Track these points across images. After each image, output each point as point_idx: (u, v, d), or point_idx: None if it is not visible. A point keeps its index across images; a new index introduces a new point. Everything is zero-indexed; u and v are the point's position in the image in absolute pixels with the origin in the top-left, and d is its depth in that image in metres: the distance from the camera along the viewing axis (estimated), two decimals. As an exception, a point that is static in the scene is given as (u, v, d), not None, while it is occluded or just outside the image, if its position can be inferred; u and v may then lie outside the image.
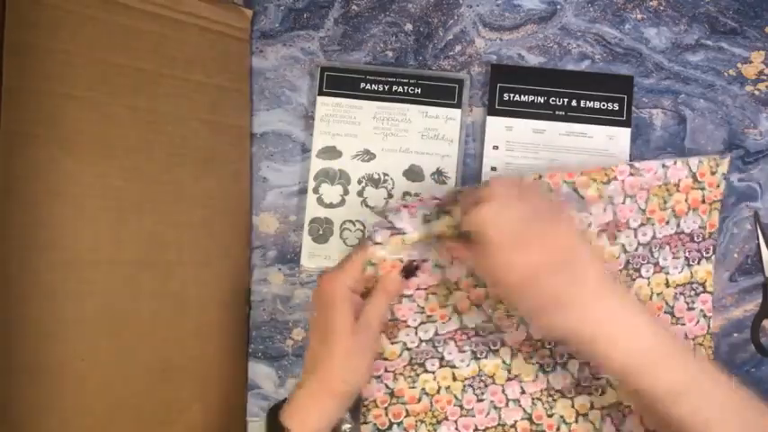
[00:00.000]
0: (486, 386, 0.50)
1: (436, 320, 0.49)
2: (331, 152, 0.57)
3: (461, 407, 0.51)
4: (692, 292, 0.50)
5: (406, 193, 0.57)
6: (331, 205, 0.57)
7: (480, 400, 0.51)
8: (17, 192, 0.43)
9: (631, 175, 0.49)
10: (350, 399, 0.45)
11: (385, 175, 0.57)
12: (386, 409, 0.50)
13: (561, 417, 0.50)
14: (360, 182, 0.57)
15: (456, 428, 0.51)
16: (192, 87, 0.53)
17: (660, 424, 0.41)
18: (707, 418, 0.37)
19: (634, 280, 0.49)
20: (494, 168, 0.56)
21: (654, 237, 0.49)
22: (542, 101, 0.56)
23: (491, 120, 0.57)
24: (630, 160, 0.55)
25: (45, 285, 0.44)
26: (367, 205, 0.56)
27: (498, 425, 0.51)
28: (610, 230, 0.49)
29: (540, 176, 0.48)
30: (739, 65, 0.56)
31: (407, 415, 0.50)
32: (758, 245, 0.55)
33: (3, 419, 0.42)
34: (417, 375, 0.50)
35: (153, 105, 0.50)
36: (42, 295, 0.44)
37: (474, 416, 0.50)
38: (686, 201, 0.49)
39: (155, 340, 0.50)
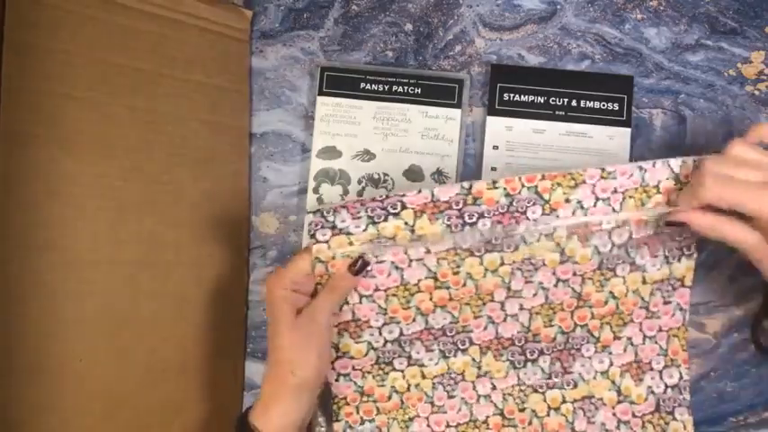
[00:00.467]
0: (456, 383, 0.50)
1: (400, 321, 0.49)
2: (331, 152, 0.57)
3: (432, 404, 0.51)
4: (670, 287, 0.49)
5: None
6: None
7: (451, 397, 0.50)
8: (16, 192, 0.43)
9: (602, 178, 0.47)
10: (307, 392, 0.45)
11: (385, 175, 0.57)
12: (357, 407, 0.50)
13: (533, 411, 0.50)
14: (360, 182, 0.57)
15: (428, 425, 0.51)
16: (192, 88, 0.53)
17: None
18: None
19: (608, 279, 0.49)
20: (494, 168, 0.56)
21: (630, 237, 0.48)
22: (542, 101, 0.56)
23: (491, 120, 0.57)
24: (631, 160, 0.55)
25: (44, 285, 0.44)
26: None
27: (470, 421, 0.51)
28: (581, 233, 0.48)
29: (495, 182, 0.46)
30: (739, 65, 0.56)
31: (378, 413, 0.50)
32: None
33: (2, 419, 0.42)
34: (386, 374, 0.50)
35: (152, 105, 0.50)
36: (42, 295, 0.44)
37: (446, 412, 0.50)
38: (667, 203, 0.47)
39: (154, 340, 0.50)
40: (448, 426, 0.51)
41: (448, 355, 0.50)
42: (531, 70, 0.57)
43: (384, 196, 0.46)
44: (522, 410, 0.50)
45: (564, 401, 0.50)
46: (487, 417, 0.51)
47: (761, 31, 0.56)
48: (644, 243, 0.48)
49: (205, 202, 0.54)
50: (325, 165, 0.57)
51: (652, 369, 0.50)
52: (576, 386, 0.50)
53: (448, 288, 0.48)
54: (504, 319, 0.49)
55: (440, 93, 0.57)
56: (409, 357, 0.50)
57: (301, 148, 0.59)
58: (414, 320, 0.49)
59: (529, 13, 0.58)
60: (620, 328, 0.50)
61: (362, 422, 0.50)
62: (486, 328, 0.50)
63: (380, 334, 0.49)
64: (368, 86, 0.58)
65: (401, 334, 0.49)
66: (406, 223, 0.47)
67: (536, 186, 0.47)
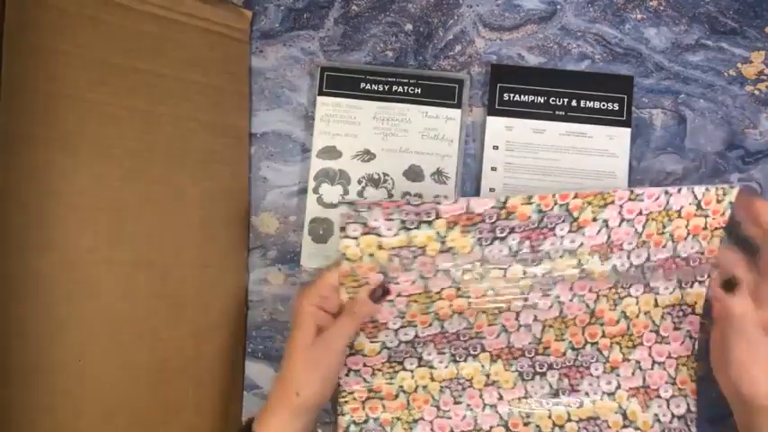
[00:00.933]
0: (463, 389, 0.51)
1: (417, 325, 0.49)
2: (331, 152, 0.57)
3: (438, 407, 0.51)
4: (681, 313, 0.50)
5: (406, 193, 0.57)
6: (331, 205, 0.57)
7: (457, 403, 0.51)
8: (16, 192, 0.43)
9: (630, 200, 0.47)
10: (307, 413, 0.46)
11: (385, 175, 0.57)
12: (363, 402, 0.50)
13: (537, 426, 0.51)
14: (360, 182, 0.57)
15: (431, 429, 0.51)
16: (192, 88, 0.53)
17: None
18: None
19: (622, 298, 0.49)
20: (494, 168, 0.56)
21: (648, 259, 0.49)
22: (542, 101, 0.56)
23: (491, 120, 0.57)
24: (631, 160, 0.55)
25: (43, 285, 0.44)
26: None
27: (474, 429, 0.51)
28: (602, 251, 0.48)
29: (530, 198, 0.46)
30: (739, 65, 0.56)
31: (384, 410, 0.51)
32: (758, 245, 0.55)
33: (3, 419, 0.42)
34: (396, 372, 0.50)
35: (152, 106, 0.50)
36: (41, 295, 0.44)
37: (450, 418, 0.51)
38: (686, 227, 0.48)
39: (153, 341, 0.50)
40: (451, 431, 0.51)
41: (458, 359, 0.50)
42: (531, 70, 0.57)
43: (419, 202, 0.46)
44: (526, 425, 0.51)
45: (569, 419, 0.50)
46: (491, 427, 0.51)
47: (761, 31, 0.56)
48: (660, 266, 0.49)
49: (205, 202, 0.54)
50: (325, 165, 0.57)
51: (659, 396, 0.50)
52: (581, 405, 0.50)
53: (468, 297, 0.49)
54: (518, 329, 0.50)
55: (440, 93, 0.57)
56: (420, 358, 0.50)
57: (301, 148, 0.58)
58: (430, 325, 0.49)
59: (529, 13, 0.58)
60: (629, 350, 0.50)
61: (367, 419, 0.51)
62: (498, 336, 0.50)
63: (396, 335, 0.49)
64: (368, 86, 0.58)
65: (416, 336, 0.50)
66: (438, 234, 0.46)
67: (567, 204, 0.47)
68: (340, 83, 0.58)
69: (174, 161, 0.52)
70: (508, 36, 0.58)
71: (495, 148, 0.56)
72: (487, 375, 0.50)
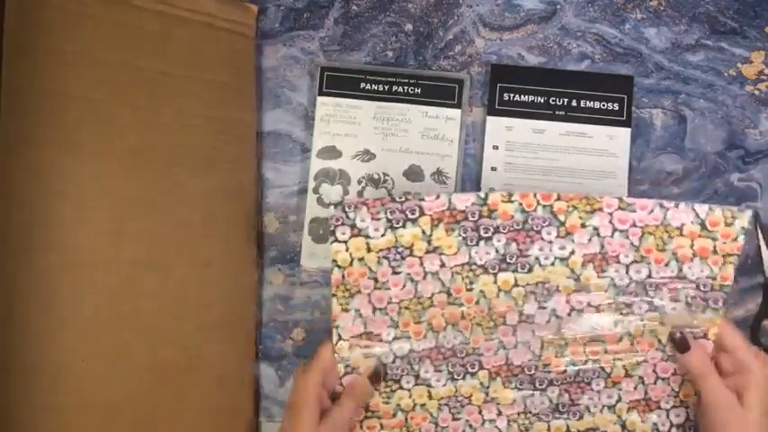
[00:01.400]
0: (462, 406, 0.50)
1: (411, 337, 0.49)
2: (331, 152, 0.57)
3: (436, 424, 0.50)
4: (690, 335, 0.48)
5: (406, 193, 0.57)
6: (331, 205, 0.57)
7: (456, 419, 0.50)
8: (17, 192, 0.43)
9: (620, 209, 0.46)
10: None
11: (385, 175, 0.57)
12: (360, 422, 0.50)
13: None
14: (360, 182, 0.57)
15: None
16: (196, 85, 0.53)
17: None
18: None
19: (624, 316, 0.48)
20: (494, 168, 0.56)
21: (649, 276, 0.47)
22: (542, 101, 0.56)
23: (491, 120, 0.57)
24: (631, 160, 0.55)
25: (45, 285, 0.44)
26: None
27: None
28: (596, 262, 0.47)
29: (510, 195, 0.46)
30: (739, 65, 0.56)
31: (382, 428, 0.50)
32: (758, 245, 0.55)
33: (3, 419, 0.42)
34: (393, 392, 0.50)
35: (155, 104, 0.50)
36: (42, 295, 0.44)
37: None
38: (691, 247, 0.47)
39: (154, 341, 0.50)
40: None
41: (457, 377, 0.50)
42: (531, 70, 0.57)
43: (403, 198, 0.46)
44: None
45: (568, 430, 0.50)
46: None
47: (761, 31, 0.56)
48: (664, 285, 0.48)
49: (209, 199, 0.54)
50: (325, 165, 0.57)
51: (660, 408, 0.50)
52: (581, 417, 0.50)
53: (461, 305, 0.48)
54: (515, 346, 0.49)
55: (440, 93, 0.57)
56: (417, 376, 0.50)
57: (301, 148, 0.59)
58: (425, 337, 0.49)
59: (529, 13, 0.58)
60: (632, 366, 0.49)
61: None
62: (496, 353, 0.49)
63: (390, 350, 0.49)
64: (368, 86, 0.58)
65: (411, 350, 0.49)
66: (423, 232, 0.46)
67: (551, 206, 0.46)
68: (340, 83, 0.58)
69: (178, 159, 0.52)
70: (508, 36, 0.58)
71: (495, 148, 0.56)
72: (486, 393, 0.50)
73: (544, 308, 0.48)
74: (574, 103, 0.56)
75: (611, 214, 0.47)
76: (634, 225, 0.47)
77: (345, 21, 0.59)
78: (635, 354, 0.49)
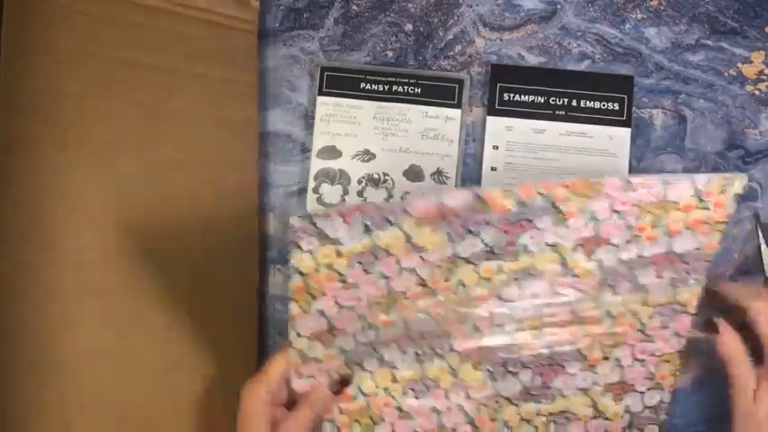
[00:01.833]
0: (428, 389, 0.47)
1: (378, 328, 0.46)
2: (331, 152, 0.57)
3: (400, 409, 0.48)
4: (671, 312, 0.47)
5: (406, 193, 0.57)
6: (331, 205, 0.57)
7: (421, 404, 0.48)
8: (15, 191, 0.43)
9: (623, 190, 0.45)
10: None
11: (385, 175, 0.57)
12: None
13: (505, 422, 0.48)
14: (360, 182, 0.57)
15: (393, 431, 0.48)
16: (197, 81, 0.52)
17: None
18: None
19: (607, 297, 0.46)
20: (494, 168, 0.56)
21: (639, 255, 0.46)
22: (542, 101, 0.56)
23: (491, 120, 0.57)
24: (630, 160, 0.55)
25: (44, 285, 0.44)
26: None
27: (438, 427, 0.48)
28: (587, 246, 0.45)
29: (511, 191, 0.44)
30: (739, 65, 0.56)
31: (341, 412, 0.47)
32: (758, 245, 0.55)
33: (3, 419, 0.42)
34: (354, 373, 0.47)
35: (156, 101, 0.50)
36: (42, 295, 0.44)
37: (413, 419, 0.48)
38: (684, 221, 0.45)
39: (154, 341, 0.50)
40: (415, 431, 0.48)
41: (423, 359, 0.47)
42: (531, 70, 0.57)
43: (386, 204, 0.43)
44: (493, 420, 0.48)
45: (538, 414, 0.49)
46: (456, 425, 0.48)
47: (761, 31, 0.56)
48: (652, 263, 0.46)
49: (211, 198, 0.54)
50: (325, 165, 0.57)
51: (635, 391, 0.48)
52: (553, 400, 0.48)
53: (436, 295, 0.46)
54: (491, 329, 0.47)
55: (440, 93, 0.57)
56: (381, 359, 0.47)
57: (301, 148, 0.58)
58: (393, 326, 0.46)
59: (529, 12, 0.58)
60: (610, 348, 0.48)
61: (322, 421, 0.47)
62: (469, 336, 0.47)
63: (354, 338, 0.46)
64: (368, 86, 0.58)
65: (377, 337, 0.46)
66: (405, 234, 0.44)
67: (551, 195, 0.44)
68: (340, 83, 0.58)
69: (180, 156, 0.51)
70: (508, 36, 0.58)
71: (495, 148, 0.56)
72: (454, 375, 0.47)
73: (525, 292, 0.46)
74: (574, 103, 0.56)
75: (612, 197, 0.44)
76: (633, 204, 0.45)
77: (345, 21, 0.59)
78: (614, 335, 0.47)
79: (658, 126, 0.56)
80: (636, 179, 0.45)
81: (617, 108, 0.56)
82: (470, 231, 0.44)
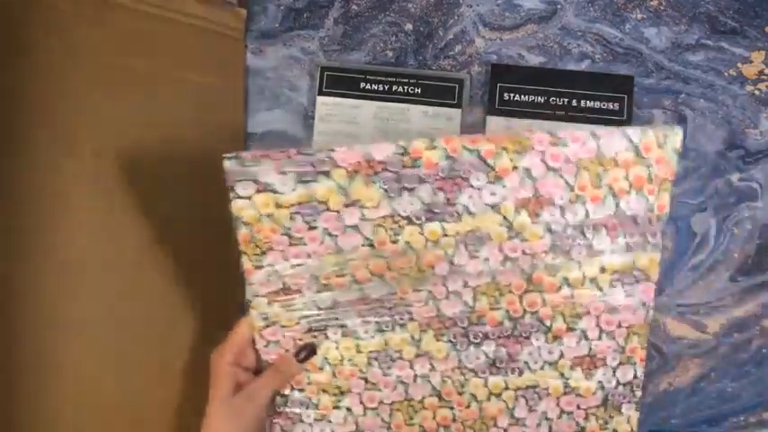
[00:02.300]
0: (392, 360, 0.47)
1: (334, 289, 0.46)
2: (331, 152, 0.57)
3: (366, 380, 0.48)
4: (633, 280, 0.46)
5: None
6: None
7: (386, 375, 0.47)
8: (13, 193, 0.43)
9: (553, 144, 0.44)
10: None
11: (385, 175, 0.57)
12: None
13: (473, 395, 0.48)
14: (360, 182, 0.57)
15: (360, 401, 0.48)
16: (186, 87, 0.53)
17: None
18: None
19: (562, 263, 0.45)
20: (494, 168, 0.56)
21: (587, 216, 0.44)
22: (542, 101, 0.56)
23: (491, 119, 0.57)
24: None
25: (43, 286, 0.44)
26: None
27: (405, 400, 0.48)
28: (531, 207, 0.44)
29: (433, 141, 0.43)
30: (739, 65, 0.56)
31: (310, 382, 0.47)
32: (760, 244, 0.55)
33: (3, 419, 0.42)
34: (319, 343, 0.47)
35: (147, 105, 0.50)
36: (40, 296, 0.44)
37: (380, 390, 0.48)
38: (627, 178, 0.44)
39: (153, 342, 0.50)
40: (381, 403, 0.48)
41: (385, 329, 0.47)
42: (531, 70, 0.57)
43: (312, 151, 0.43)
44: (460, 393, 0.48)
45: (506, 388, 0.48)
46: (423, 397, 0.48)
47: (761, 31, 0.56)
48: (602, 224, 0.45)
49: (202, 201, 0.54)
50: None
51: (606, 365, 0.47)
52: (521, 374, 0.47)
53: (386, 257, 0.45)
54: (447, 297, 0.46)
55: (440, 93, 0.57)
56: (343, 326, 0.47)
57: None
58: (348, 288, 0.46)
59: (529, 12, 0.58)
60: (574, 319, 0.46)
61: (291, 389, 0.48)
62: (426, 304, 0.46)
63: (314, 302, 0.46)
64: (368, 86, 0.58)
65: (335, 302, 0.46)
66: (339, 186, 0.44)
67: (479, 150, 0.44)
68: (340, 83, 0.58)
69: (171, 160, 0.52)
70: (508, 36, 0.58)
71: (496, 147, 0.56)
72: (417, 346, 0.47)
73: (476, 257, 0.45)
74: (574, 102, 0.56)
75: (542, 152, 0.44)
76: (567, 161, 0.44)
77: (345, 21, 0.59)
78: (575, 305, 0.46)
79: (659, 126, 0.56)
80: (563, 133, 0.44)
81: (617, 108, 0.56)
82: (405, 188, 0.44)
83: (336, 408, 0.48)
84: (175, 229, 0.52)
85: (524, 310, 0.46)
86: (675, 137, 0.44)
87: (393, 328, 0.47)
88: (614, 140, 0.44)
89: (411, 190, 0.44)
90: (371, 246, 0.45)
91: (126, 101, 0.49)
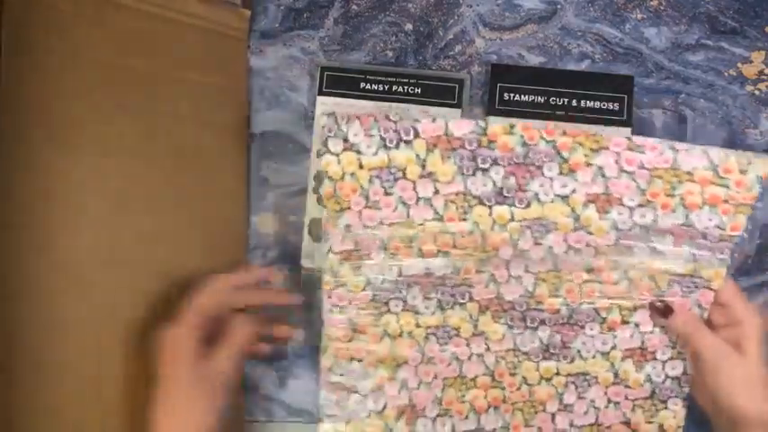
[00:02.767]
0: (449, 337, 0.49)
1: (401, 260, 0.48)
2: (331, 152, 0.57)
3: (423, 354, 0.49)
4: (692, 285, 0.47)
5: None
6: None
7: (442, 351, 0.49)
8: (14, 192, 0.43)
9: (629, 149, 0.45)
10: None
11: (385, 175, 0.57)
12: (347, 344, 0.49)
13: (524, 377, 0.49)
14: (360, 182, 0.57)
15: (416, 374, 0.49)
16: (189, 87, 0.53)
17: None
18: None
19: (624, 259, 0.47)
20: (494, 168, 0.56)
21: (654, 221, 0.46)
22: (542, 101, 0.56)
23: (492, 119, 0.57)
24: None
25: (43, 286, 0.44)
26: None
27: (458, 377, 0.49)
28: (600, 203, 0.46)
29: (512, 127, 0.46)
30: (739, 65, 0.56)
31: (368, 354, 0.49)
32: (760, 244, 0.55)
33: (3, 419, 0.42)
34: (381, 314, 0.48)
35: (149, 105, 0.50)
36: (41, 296, 0.44)
37: (435, 364, 0.49)
38: (701, 194, 0.45)
39: (155, 342, 0.50)
40: (435, 377, 0.49)
41: (445, 307, 0.48)
42: (531, 70, 0.57)
43: (398, 118, 0.46)
44: (512, 375, 0.49)
45: (557, 374, 0.49)
46: (476, 375, 0.49)
47: (761, 31, 0.56)
48: (669, 232, 0.46)
49: (203, 201, 0.54)
50: (325, 165, 0.57)
51: (656, 359, 0.48)
52: (572, 361, 0.49)
53: (453, 234, 0.47)
54: (508, 281, 0.48)
55: (440, 93, 0.57)
56: (405, 301, 0.48)
57: (301, 149, 0.58)
58: (414, 262, 0.48)
59: (529, 12, 0.58)
60: (629, 312, 0.48)
61: (351, 360, 0.49)
62: (487, 286, 0.48)
63: (380, 270, 0.48)
64: (368, 86, 0.58)
65: (400, 274, 0.48)
66: (417, 155, 0.46)
67: (555, 141, 0.45)
68: (340, 83, 0.58)
69: (172, 161, 0.52)
70: (508, 36, 0.58)
71: (496, 147, 0.56)
72: (475, 326, 0.49)
73: (540, 244, 0.47)
74: (574, 103, 0.56)
75: (618, 153, 0.45)
76: (642, 167, 0.45)
77: (345, 20, 0.59)
78: (632, 299, 0.47)
79: (658, 126, 0.56)
80: (640, 140, 0.45)
81: (617, 108, 0.56)
82: (480, 168, 0.46)
83: (392, 379, 0.49)
84: (177, 228, 0.52)
85: (582, 300, 0.48)
86: (762, 164, 0.45)
87: (453, 306, 0.48)
88: (693, 157, 0.45)
89: (485, 170, 0.46)
90: (440, 220, 0.47)
91: (130, 100, 0.49)
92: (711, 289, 0.47)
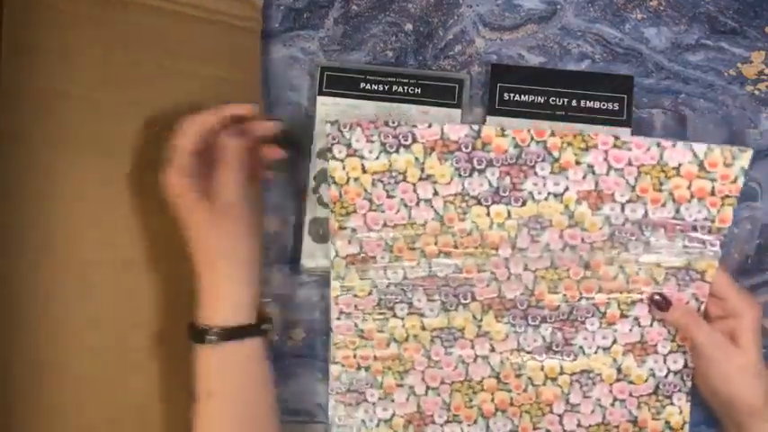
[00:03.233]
0: (455, 339, 0.50)
1: (405, 263, 0.50)
2: (331, 152, 0.57)
3: (429, 358, 0.50)
4: (687, 278, 0.48)
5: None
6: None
7: (448, 354, 0.50)
8: (15, 192, 0.43)
9: (616, 147, 0.47)
10: (245, 270, 0.44)
11: (385, 175, 0.57)
12: (354, 351, 0.50)
13: (530, 378, 0.50)
14: (360, 182, 0.57)
15: (423, 379, 0.51)
16: (197, 81, 0.52)
17: None
18: None
19: (619, 254, 0.48)
20: (494, 168, 0.56)
21: (646, 215, 0.47)
22: (542, 101, 0.56)
23: (491, 120, 0.57)
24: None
25: (43, 286, 0.44)
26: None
27: (465, 380, 0.50)
28: (592, 200, 0.48)
29: (503, 131, 0.48)
30: (739, 65, 0.56)
31: (375, 360, 0.51)
32: (760, 243, 0.55)
33: (2, 419, 0.42)
34: (386, 319, 0.50)
35: (155, 101, 0.49)
36: (41, 296, 0.44)
37: (441, 368, 0.50)
38: (689, 188, 0.47)
39: (155, 341, 0.50)
40: (443, 382, 0.51)
41: (449, 308, 0.50)
42: (531, 70, 0.57)
43: (396, 123, 0.48)
44: (518, 376, 0.50)
45: (562, 373, 0.50)
46: (483, 378, 0.50)
47: (761, 31, 0.56)
48: (660, 225, 0.47)
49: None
50: (326, 165, 0.57)
51: (657, 352, 0.49)
52: (575, 358, 0.50)
53: (453, 235, 0.49)
54: (508, 278, 0.49)
55: (440, 93, 0.57)
56: (410, 304, 0.50)
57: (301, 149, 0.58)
58: (417, 264, 0.49)
59: (529, 12, 0.58)
60: (628, 306, 0.49)
61: (359, 368, 0.51)
62: (489, 285, 0.49)
63: (385, 273, 0.50)
64: (368, 86, 0.58)
65: (404, 277, 0.50)
66: (416, 159, 0.48)
67: (545, 141, 0.47)
68: (340, 83, 0.58)
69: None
70: (508, 36, 0.58)
71: (496, 147, 0.56)
72: (479, 326, 0.50)
73: (537, 242, 0.49)
74: (574, 103, 0.56)
75: (606, 152, 0.47)
76: (630, 164, 0.47)
77: (345, 21, 0.59)
78: (629, 292, 0.49)
79: (658, 126, 0.56)
80: (626, 137, 0.47)
81: (617, 108, 0.56)
82: (476, 169, 0.48)
83: (400, 386, 0.51)
84: (177, 228, 0.52)
85: (581, 296, 0.49)
86: (744, 157, 0.47)
87: (456, 307, 0.50)
88: (678, 153, 0.47)
89: (481, 171, 0.48)
90: (441, 221, 0.49)
91: (135, 96, 0.48)
92: (706, 281, 0.48)
